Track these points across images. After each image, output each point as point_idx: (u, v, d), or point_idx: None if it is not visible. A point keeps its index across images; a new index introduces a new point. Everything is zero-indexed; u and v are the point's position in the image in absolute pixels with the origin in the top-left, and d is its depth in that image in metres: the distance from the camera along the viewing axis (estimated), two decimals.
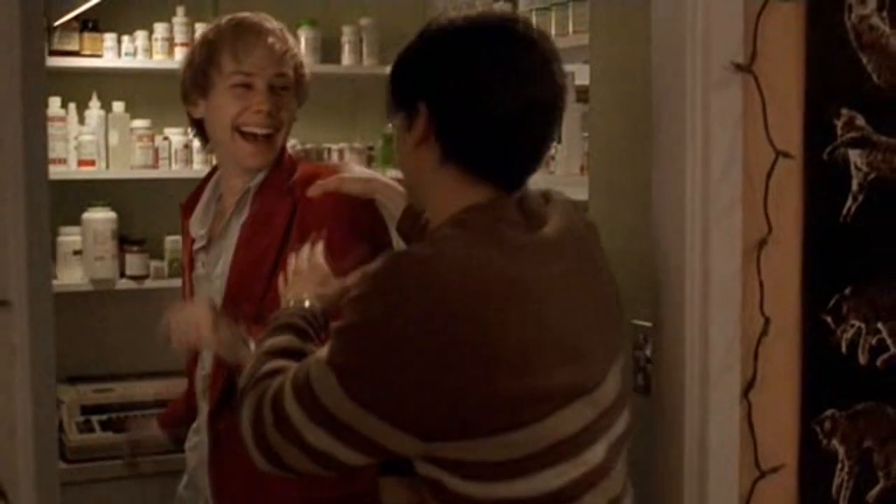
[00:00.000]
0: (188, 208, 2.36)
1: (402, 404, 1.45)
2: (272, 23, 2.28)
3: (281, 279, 1.91)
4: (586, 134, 2.82)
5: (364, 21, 4.24)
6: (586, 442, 1.52)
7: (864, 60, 2.07)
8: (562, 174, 3.05)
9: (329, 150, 4.31)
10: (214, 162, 2.56)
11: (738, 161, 1.95)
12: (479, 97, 1.55)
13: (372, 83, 4.25)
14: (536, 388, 1.46)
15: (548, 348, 1.48)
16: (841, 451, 2.12)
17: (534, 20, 3.28)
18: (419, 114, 1.57)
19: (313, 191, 2.09)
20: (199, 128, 2.29)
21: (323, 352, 1.52)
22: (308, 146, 4.33)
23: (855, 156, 2.08)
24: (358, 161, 4.25)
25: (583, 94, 2.95)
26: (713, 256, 1.95)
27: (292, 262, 1.90)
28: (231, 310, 2.16)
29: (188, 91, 2.23)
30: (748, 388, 2.00)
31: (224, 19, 2.25)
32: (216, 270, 2.27)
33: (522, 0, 3.45)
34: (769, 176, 1.98)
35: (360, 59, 4.24)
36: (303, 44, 4.25)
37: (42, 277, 1.62)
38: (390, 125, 1.78)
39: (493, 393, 1.43)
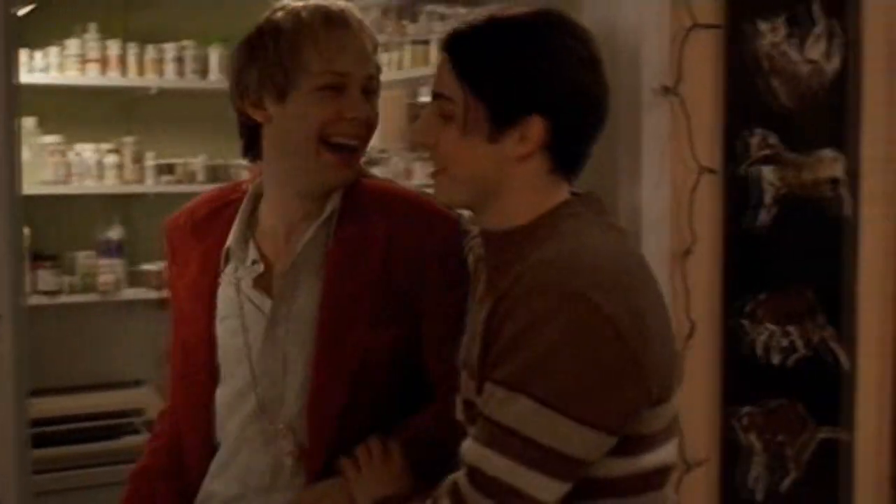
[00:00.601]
0: (193, 231, 1.96)
1: (616, 405, 1.40)
2: (358, 14, 1.90)
3: (350, 467, 1.72)
4: None
5: None
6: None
7: (775, 84, 2.25)
8: None
9: (239, 166, 4.37)
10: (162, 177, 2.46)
11: (667, 177, 2.11)
12: (591, 105, 1.50)
13: None
14: (674, 359, 1.49)
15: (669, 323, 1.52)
16: (757, 445, 2.29)
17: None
18: (529, 127, 1.48)
19: None
20: (253, 135, 1.89)
21: (522, 404, 1.40)
22: (217, 162, 4.39)
23: (768, 172, 2.25)
24: None
25: None
26: None
27: (362, 453, 1.71)
28: (324, 359, 1.83)
29: (252, 91, 1.83)
30: None
31: (299, 5, 1.86)
32: (291, 312, 1.87)
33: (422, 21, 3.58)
34: (694, 190, 2.14)
35: None
36: (214, 61, 4.32)
37: (20, 290, 1.67)
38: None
39: (658, 366, 1.42)
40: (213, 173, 4.39)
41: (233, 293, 1.88)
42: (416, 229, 1.81)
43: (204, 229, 1.93)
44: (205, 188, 4.30)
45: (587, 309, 1.37)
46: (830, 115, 2.32)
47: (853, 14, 2.32)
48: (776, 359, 2.29)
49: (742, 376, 2.26)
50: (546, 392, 1.38)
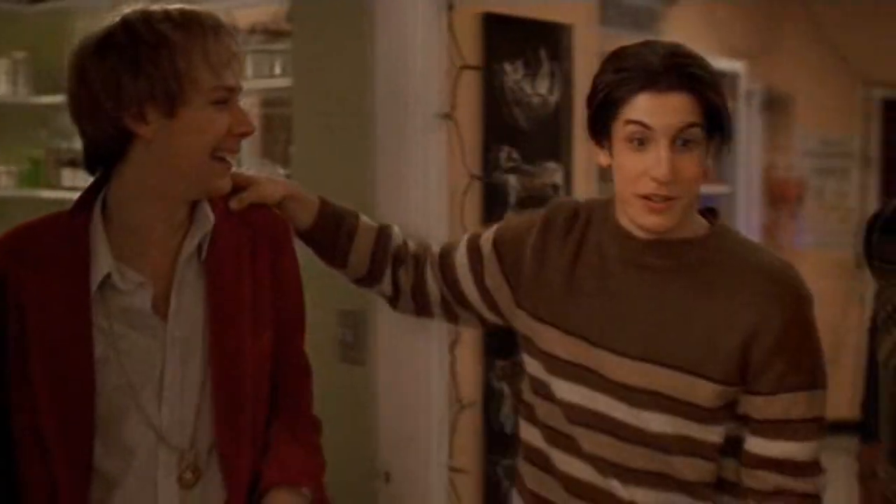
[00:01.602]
0: (31, 267, 1.73)
1: None
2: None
3: None
4: None
5: (19, 55, 4.58)
6: None
7: (516, 111, 2.93)
8: None
9: None
10: None
11: (445, 182, 2.72)
12: None
13: (26, 111, 4.60)
14: None
15: None
16: (507, 390, 2.96)
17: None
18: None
19: (236, 203, 1.86)
20: (116, 146, 1.75)
21: (820, 396, 1.83)
22: None
23: (512, 179, 2.92)
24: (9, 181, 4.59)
25: None
26: None
27: None
28: (224, 372, 1.77)
29: (135, 103, 1.69)
30: (453, 345, 2.77)
31: (174, 12, 1.73)
32: (174, 334, 1.76)
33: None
34: (465, 192, 2.77)
35: (16, 88, 4.57)
36: None
37: None
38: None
39: None
40: None
41: (108, 324, 1.75)
42: (275, 238, 1.87)
43: (49, 263, 1.76)
44: None
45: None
46: (553, 135, 3.03)
47: (568, 59, 3.05)
48: None
49: (496, 337, 2.91)
50: (826, 381, 1.84)
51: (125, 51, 1.68)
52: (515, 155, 2.93)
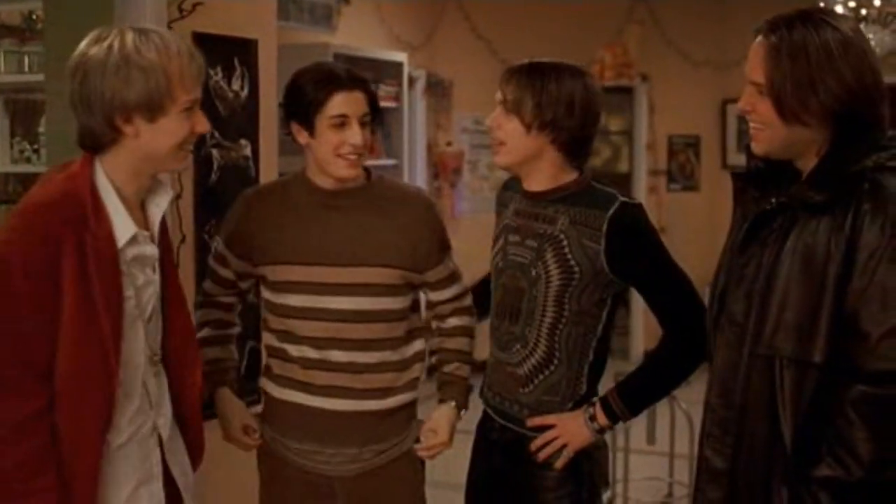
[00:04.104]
0: (77, 230, 2.17)
1: None
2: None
3: None
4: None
5: None
6: None
7: (218, 104, 4.01)
8: None
9: None
10: None
11: None
12: None
13: None
14: None
15: None
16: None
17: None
18: None
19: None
20: (106, 134, 2.21)
21: None
22: None
23: (215, 152, 4.01)
24: None
25: None
26: None
27: None
28: (178, 293, 2.44)
29: (124, 110, 2.18)
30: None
31: (160, 38, 2.22)
32: (148, 308, 2.29)
33: None
34: None
35: None
36: None
37: None
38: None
39: None
40: None
41: (129, 269, 2.22)
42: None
43: (83, 227, 2.15)
44: None
45: None
46: (244, 120, 4.11)
47: (254, 65, 4.15)
48: None
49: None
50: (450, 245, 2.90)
51: (121, 69, 2.22)
52: (217, 135, 3.94)
